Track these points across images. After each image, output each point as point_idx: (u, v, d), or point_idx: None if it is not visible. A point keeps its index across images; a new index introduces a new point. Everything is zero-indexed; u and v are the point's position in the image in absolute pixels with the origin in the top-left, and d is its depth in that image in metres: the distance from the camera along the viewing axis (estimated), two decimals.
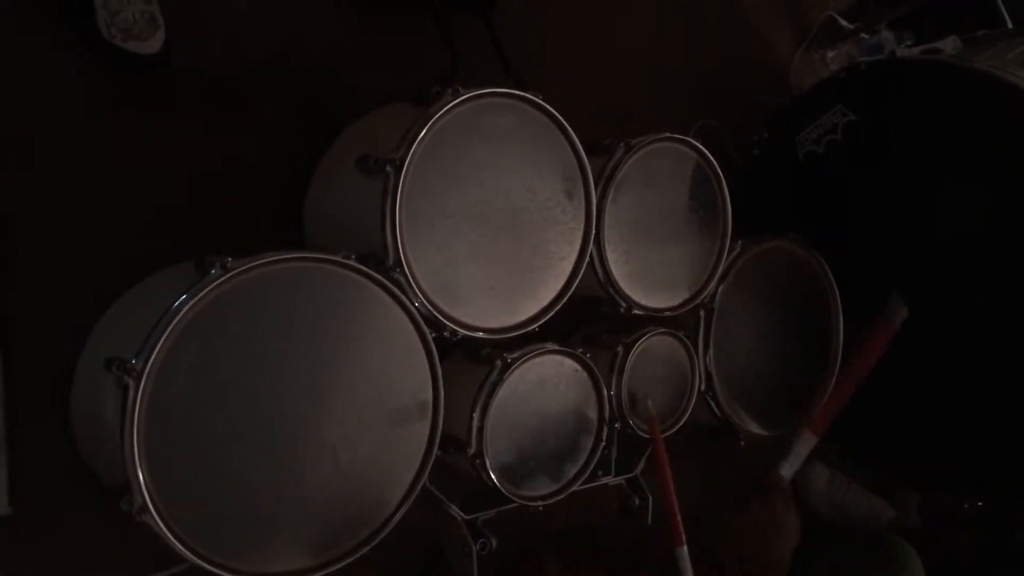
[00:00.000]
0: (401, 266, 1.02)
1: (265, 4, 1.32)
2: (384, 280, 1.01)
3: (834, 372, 1.61)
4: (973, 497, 1.61)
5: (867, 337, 1.56)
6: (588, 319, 1.48)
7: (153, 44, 1.17)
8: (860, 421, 1.68)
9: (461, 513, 1.23)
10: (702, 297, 1.41)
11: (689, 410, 1.43)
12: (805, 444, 1.34)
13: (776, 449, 1.55)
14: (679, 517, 1.26)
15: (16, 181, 1.11)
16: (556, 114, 1.15)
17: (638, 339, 1.36)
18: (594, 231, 1.21)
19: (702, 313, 1.44)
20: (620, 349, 1.35)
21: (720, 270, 1.41)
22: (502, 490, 1.19)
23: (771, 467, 1.35)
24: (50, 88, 1.15)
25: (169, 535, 0.87)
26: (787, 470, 1.32)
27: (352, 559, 1.00)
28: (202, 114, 1.26)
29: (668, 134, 1.32)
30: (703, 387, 1.46)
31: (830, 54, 2.15)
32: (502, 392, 1.18)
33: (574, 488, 1.28)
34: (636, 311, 1.32)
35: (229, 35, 1.29)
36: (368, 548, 1.01)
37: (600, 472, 1.34)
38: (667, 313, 1.37)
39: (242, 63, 1.30)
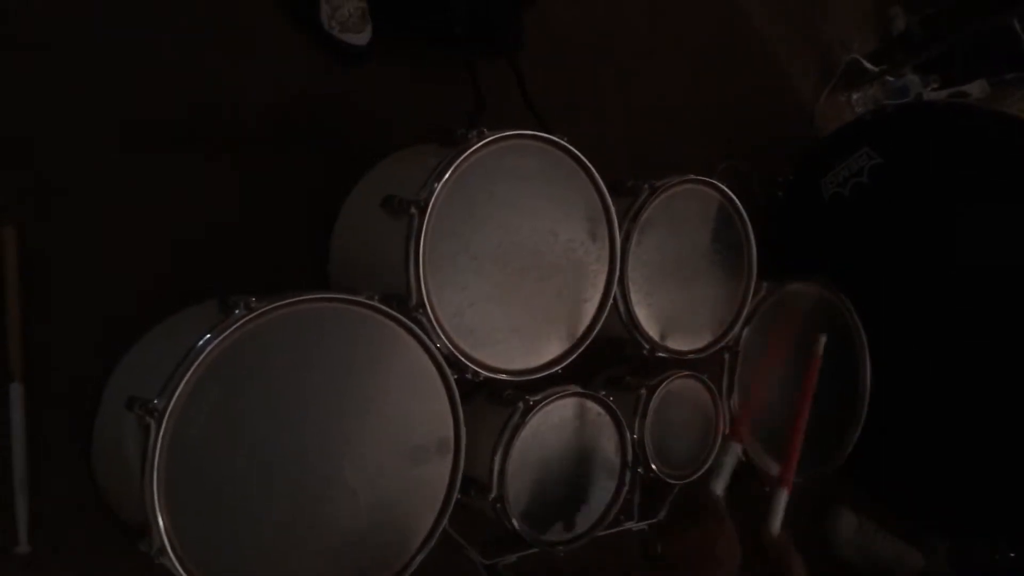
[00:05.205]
0: (424, 307, 1.02)
1: (293, 47, 1.34)
2: (407, 321, 1.01)
3: (862, 415, 1.58)
4: (1005, 548, 1.57)
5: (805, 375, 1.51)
6: (611, 361, 1.46)
7: (363, 37, 1.34)
8: (890, 467, 1.65)
9: (481, 559, 1.22)
10: (727, 340, 1.39)
11: (714, 453, 1.41)
12: (732, 455, 1.34)
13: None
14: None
15: (43, 219, 1.13)
16: (581, 156, 1.15)
17: (662, 382, 1.35)
18: (618, 273, 1.20)
19: (727, 356, 1.43)
20: (643, 392, 1.33)
21: (745, 313, 1.40)
22: (523, 535, 1.18)
23: (703, 485, 1.32)
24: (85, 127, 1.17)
25: None
26: (718, 485, 1.30)
27: None
28: (229, 153, 1.27)
29: (692, 176, 1.32)
30: (727, 431, 1.44)
31: (855, 96, 2.16)
32: (524, 434, 1.17)
33: (596, 533, 1.26)
34: (660, 353, 1.31)
35: (257, 76, 1.31)
36: None
37: (623, 517, 1.31)
38: (691, 356, 1.36)
39: (270, 104, 1.32)
